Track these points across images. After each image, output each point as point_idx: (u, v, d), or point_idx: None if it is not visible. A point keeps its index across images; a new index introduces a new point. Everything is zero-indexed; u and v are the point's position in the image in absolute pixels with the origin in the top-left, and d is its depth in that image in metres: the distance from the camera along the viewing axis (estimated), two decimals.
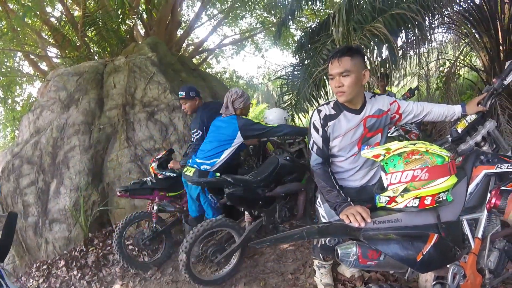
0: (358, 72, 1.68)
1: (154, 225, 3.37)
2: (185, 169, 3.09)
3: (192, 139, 3.33)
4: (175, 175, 3.46)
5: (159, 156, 3.52)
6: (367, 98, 1.83)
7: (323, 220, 2.01)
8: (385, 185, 1.37)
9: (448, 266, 1.34)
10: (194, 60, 9.83)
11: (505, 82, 1.71)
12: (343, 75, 1.65)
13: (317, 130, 1.77)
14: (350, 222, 1.33)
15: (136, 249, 3.66)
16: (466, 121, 1.78)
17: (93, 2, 7.07)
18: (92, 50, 7.28)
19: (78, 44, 7.23)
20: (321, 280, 2.45)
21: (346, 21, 3.51)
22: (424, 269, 1.36)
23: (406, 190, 1.30)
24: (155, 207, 3.33)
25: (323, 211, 2.01)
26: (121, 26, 6.70)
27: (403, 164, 1.31)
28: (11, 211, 3.90)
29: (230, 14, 11.13)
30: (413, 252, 1.26)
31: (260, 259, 3.13)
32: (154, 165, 3.49)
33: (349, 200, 1.62)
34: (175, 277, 3.20)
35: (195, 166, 2.96)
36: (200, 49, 10.77)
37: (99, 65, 5.49)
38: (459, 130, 1.77)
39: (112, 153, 4.60)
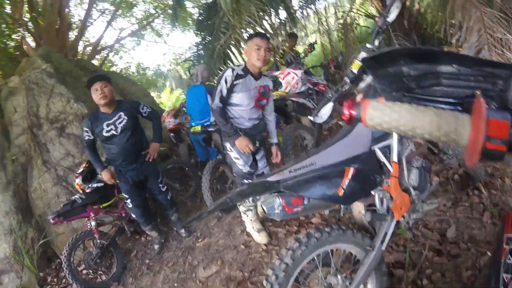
0: (271, 52, 2.66)
1: (98, 241, 3.22)
2: (192, 129, 3.62)
3: (114, 130, 2.91)
4: (102, 184, 3.28)
5: (81, 170, 3.32)
6: (262, 73, 2.60)
7: (237, 162, 2.62)
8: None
9: (372, 192, 1.39)
10: (95, 61, 9.15)
11: (388, 19, 1.73)
12: (267, 49, 2.39)
13: (227, 82, 2.41)
14: (245, 152, 2.41)
15: (90, 271, 3.47)
16: (359, 61, 1.78)
17: None
18: None
19: None
20: (253, 227, 2.80)
21: None
22: (349, 201, 1.42)
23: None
24: (93, 223, 3.17)
25: (235, 154, 2.60)
26: (8, 43, 5.91)
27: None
28: None
29: (122, 4, 10.40)
30: (333, 189, 1.32)
31: (211, 240, 3.18)
32: (78, 181, 3.27)
33: (239, 132, 2.49)
34: (137, 284, 3.15)
35: (199, 124, 3.71)
36: (98, 48, 10.01)
37: None
38: (354, 70, 1.78)
39: (33, 183, 4.21)
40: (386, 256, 2.04)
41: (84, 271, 3.46)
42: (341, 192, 1.32)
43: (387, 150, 1.48)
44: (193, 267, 2.93)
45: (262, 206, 1.37)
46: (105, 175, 3.02)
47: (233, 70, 2.43)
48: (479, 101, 0.68)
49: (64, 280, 3.64)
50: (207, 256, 2.97)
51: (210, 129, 3.34)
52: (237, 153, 2.58)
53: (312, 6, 5.38)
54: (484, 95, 0.86)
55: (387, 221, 1.42)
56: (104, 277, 3.39)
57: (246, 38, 3.96)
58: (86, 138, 2.95)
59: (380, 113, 0.82)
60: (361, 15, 6.00)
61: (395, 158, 1.40)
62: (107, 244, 3.28)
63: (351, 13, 5.42)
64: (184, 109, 4.68)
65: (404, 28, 5.70)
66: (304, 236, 1.42)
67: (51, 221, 3.07)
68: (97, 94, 2.80)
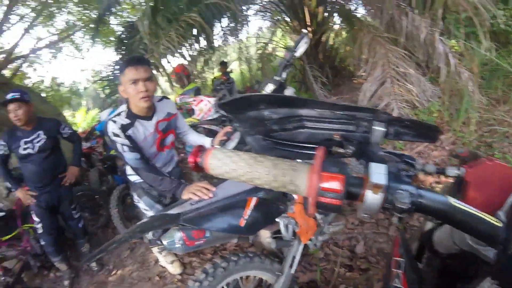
0: (155, 80, 1.80)
1: (2, 278, 2.86)
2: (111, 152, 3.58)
3: (31, 149, 2.74)
4: (3, 214, 2.97)
5: None
6: (155, 102, 1.95)
7: (147, 213, 2.15)
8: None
9: (277, 220, 1.39)
10: (7, 72, 8.08)
11: (296, 54, 1.84)
12: (148, 80, 1.74)
13: (118, 135, 1.77)
14: (199, 197, 1.40)
15: None
16: (265, 91, 1.90)
17: None
18: None
19: None
20: (166, 261, 2.68)
21: (153, 14, 3.50)
22: (251, 232, 1.38)
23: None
24: None
25: (143, 206, 2.14)
26: None
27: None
28: None
29: (44, 12, 9.48)
30: (234, 220, 1.29)
31: (124, 273, 3.01)
32: None
33: (182, 181, 1.71)
34: None
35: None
36: (12, 57, 8.86)
37: None
38: None
39: None
40: (301, 276, 2.12)
41: None
42: (243, 223, 1.30)
43: None
44: None
45: (161, 241, 1.34)
46: (20, 193, 2.80)
47: (114, 122, 1.78)
48: (318, 152, 0.70)
49: None
50: None
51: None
52: (146, 205, 2.14)
53: (234, 35, 5.64)
54: (345, 138, 0.94)
55: (293, 246, 1.44)
56: None
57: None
58: (1, 152, 2.75)
59: (221, 163, 0.81)
60: (280, 47, 6.46)
61: None
62: (12, 281, 2.91)
63: (270, 44, 5.80)
64: (97, 132, 4.39)
65: (319, 60, 6.26)
66: (210, 266, 1.40)
67: None
68: (11, 116, 2.67)
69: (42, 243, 2.96)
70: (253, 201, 1.35)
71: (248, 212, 1.32)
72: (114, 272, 3.10)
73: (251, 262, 1.47)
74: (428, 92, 3.52)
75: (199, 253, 2.80)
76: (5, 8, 8.08)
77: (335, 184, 0.64)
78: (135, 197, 2.15)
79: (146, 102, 1.76)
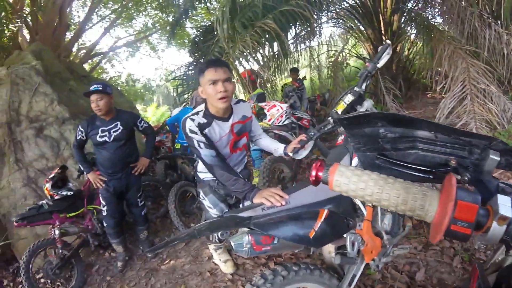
0: (233, 82, 1.83)
1: (61, 251, 3.07)
2: (175, 145, 4.12)
3: (107, 137, 2.96)
4: (72, 193, 3.21)
5: (52, 176, 3.19)
6: (232, 104, 1.97)
7: (210, 211, 2.17)
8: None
9: (344, 236, 1.37)
10: (86, 66, 9.09)
11: (378, 65, 1.77)
12: (227, 81, 1.76)
13: (195, 132, 1.81)
14: (271, 203, 1.38)
15: (48, 281, 3.30)
16: (345, 102, 1.82)
17: None
18: None
19: None
20: (220, 259, 2.71)
21: (231, 19, 3.62)
22: (319, 244, 1.37)
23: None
24: (57, 232, 3.04)
25: (208, 203, 2.16)
26: (3, 33, 5.82)
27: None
28: None
29: (123, 14, 10.50)
30: (305, 231, 1.27)
31: (177, 264, 3.09)
32: (48, 186, 3.15)
33: (255, 185, 1.72)
34: None
35: (179, 142, 4.24)
36: (92, 53, 9.96)
37: None
38: (339, 112, 1.79)
39: (2, 180, 4.07)
40: None
41: (42, 280, 3.32)
42: (312, 235, 1.28)
43: None
44: None
45: (230, 242, 1.34)
46: (91, 176, 3.07)
47: (192, 120, 1.83)
48: (450, 180, 0.68)
49: (20, 286, 3.46)
50: (171, 280, 2.88)
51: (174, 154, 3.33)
52: (210, 203, 2.17)
53: (306, 42, 5.62)
54: (459, 164, 0.90)
55: (356, 264, 1.41)
56: None
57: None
58: (79, 137, 3.02)
59: (347, 180, 0.82)
60: (352, 55, 6.25)
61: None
62: (69, 255, 3.14)
63: (343, 53, 5.64)
64: (167, 127, 4.73)
65: (392, 71, 5.94)
66: (270, 273, 1.39)
67: (15, 223, 2.96)
68: (93, 106, 2.89)
69: (104, 224, 3.19)
70: (325, 213, 1.33)
71: (319, 224, 1.30)
72: (167, 261, 3.20)
73: (311, 275, 1.45)
74: (509, 112, 3.21)
75: (254, 256, 2.81)
76: (87, 9, 9.12)
77: (469, 214, 0.64)
78: (201, 194, 2.19)
79: (224, 102, 1.78)
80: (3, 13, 5.62)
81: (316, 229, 1.28)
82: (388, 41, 1.86)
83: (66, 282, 3.27)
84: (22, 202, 3.88)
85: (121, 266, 3.30)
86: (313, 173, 0.94)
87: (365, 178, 0.79)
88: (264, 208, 1.35)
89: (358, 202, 1.44)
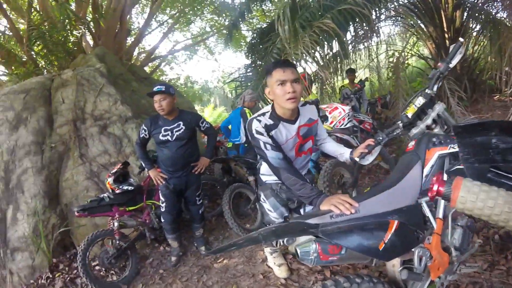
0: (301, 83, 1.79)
1: (118, 242, 3.23)
2: (227, 144, 4.33)
3: (169, 136, 3.04)
4: (132, 188, 3.35)
5: (114, 171, 3.38)
6: (299, 107, 1.92)
7: (270, 214, 2.14)
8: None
9: (413, 250, 1.32)
10: (147, 68, 9.58)
11: (451, 65, 1.70)
12: (295, 81, 1.72)
13: (262, 134, 1.77)
14: (340, 211, 1.29)
15: (103, 269, 3.47)
16: (415, 105, 1.75)
17: (38, 15, 6.66)
18: (39, 65, 6.83)
19: (24, 59, 6.76)
20: (274, 263, 2.66)
21: (291, 20, 3.57)
22: (388, 257, 1.31)
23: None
24: (116, 224, 3.20)
25: (268, 206, 2.12)
26: (68, 38, 6.35)
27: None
28: None
29: (180, 19, 10.95)
30: (374, 242, 1.22)
31: (230, 263, 3.10)
32: (110, 180, 3.34)
33: (323, 191, 1.66)
34: None
35: (231, 141, 4.50)
36: (152, 57, 10.51)
37: (45, 81, 5.16)
38: (409, 115, 1.74)
39: (66, 172, 4.35)
40: None
41: (97, 268, 3.48)
42: (382, 247, 1.22)
43: (433, 205, 1.41)
44: (207, 286, 2.85)
45: (296, 249, 1.29)
46: (152, 173, 3.18)
47: (259, 121, 1.79)
48: None
49: (75, 271, 3.65)
50: (223, 279, 2.90)
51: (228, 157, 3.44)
52: (271, 206, 2.12)
53: (365, 42, 5.40)
54: None
55: (422, 281, 1.34)
56: (115, 278, 3.39)
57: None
58: (142, 135, 3.14)
59: (475, 197, 0.76)
60: (413, 55, 5.89)
61: (440, 214, 1.34)
62: (125, 246, 3.28)
63: (404, 52, 5.33)
64: (221, 130, 4.84)
65: (456, 72, 5.52)
66: (332, 283, 1.31)
67: (76, 213, 3.13)
68: (156, 106, 3.01)
69: (162, 220, 3.29)
70: (395, 224, 1.27)
71: (389, 235, 1.24)
72: (220, 260, 3.22)
73: None
74: None
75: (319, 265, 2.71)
76: (146, 15, 9.61)
77: None
78: (262, 197, 2.15)
79: (292, 103, 1.73)
80: (67, 20, 6.07)
81: (386, 241, 1.23)
82: (461, 39, 1.78)
83: (120, 272, 3.41)
84: (84, 194, 4.12)
85: (175, 261, 3.38)
86: (434, 187, 0.86)
87: (494, 195, 0.73)
88: (332, 216, 1.28)
89: (428, 213, 1.38)
